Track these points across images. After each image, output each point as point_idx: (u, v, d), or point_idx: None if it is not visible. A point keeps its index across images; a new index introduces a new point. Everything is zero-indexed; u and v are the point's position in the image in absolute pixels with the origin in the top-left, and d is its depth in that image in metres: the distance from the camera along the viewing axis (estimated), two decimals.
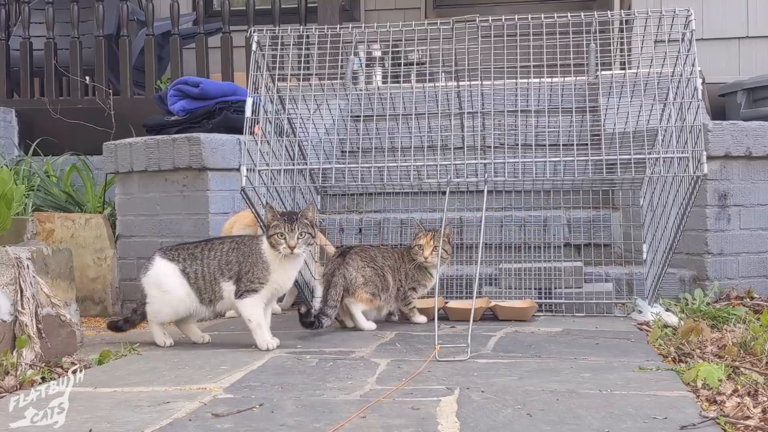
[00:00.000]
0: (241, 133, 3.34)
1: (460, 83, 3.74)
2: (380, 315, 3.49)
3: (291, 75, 3.47)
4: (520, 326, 3.41)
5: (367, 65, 4.66)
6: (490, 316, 3.64)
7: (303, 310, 3.18)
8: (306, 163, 3.75)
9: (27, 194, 4.52)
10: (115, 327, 3.27)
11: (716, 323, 3.31)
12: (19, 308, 2.78)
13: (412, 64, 4.10)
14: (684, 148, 3.09)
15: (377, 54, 4.75)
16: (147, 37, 5.76)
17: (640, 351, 2.86)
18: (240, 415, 2.07)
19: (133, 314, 3.25)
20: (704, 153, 3.03)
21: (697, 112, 3.11)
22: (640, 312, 3.54)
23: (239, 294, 2.99)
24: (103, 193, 4.82)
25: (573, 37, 3.46)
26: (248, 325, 3.00)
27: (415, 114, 3.92)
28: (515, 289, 3.80)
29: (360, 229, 4.26)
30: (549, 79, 3.58)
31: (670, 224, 3.39)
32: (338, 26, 3.98)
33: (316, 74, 3.76)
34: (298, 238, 2.91)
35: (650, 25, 3.31)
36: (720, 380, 2.30)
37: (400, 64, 4.15)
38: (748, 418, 2.01)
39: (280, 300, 3.82)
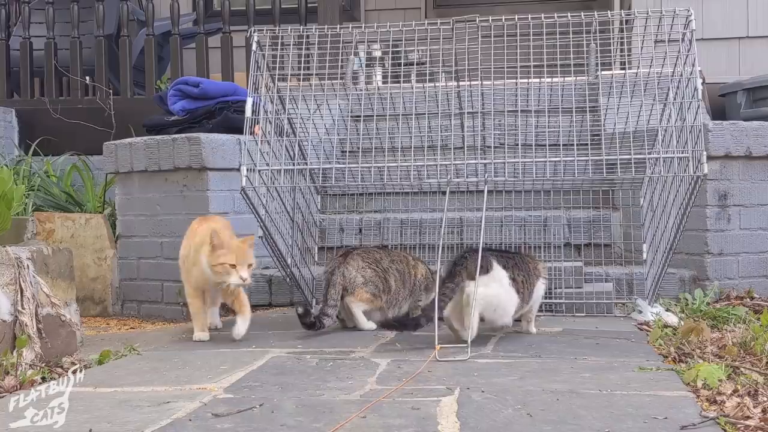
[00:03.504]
0: (241, 133, 3.34)
1: (460, 83, 3.74)
2: (384, 317, 3.44)
3: (291, 75, 3.47)
4: (520, 326, 3.40)
5: (367, 65, 4.66)
6: None
7: (301, 310, 3.18)
8: (306, 163, 3.75)
9: (27, 194, 4.52)
10: (402, 325, 3.11)
11: (716, 323, 3.31)
12: (19, 308, 2.78)
13: (412, 64, 4.10)
14: (684, 148, 3.09)
15: (377, 54, 4.75)
16: (147, 37, 5.76)
17: (640, 351, 2.86)
18: (240, 415, 2.07)
19: (420, 317, 3.00)
20: (704, 153, 3.03)
21: (697, 112, 3.11)
22: (640, 312, 3.54)
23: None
24: (103, 193, 4.82)
25: (573, 37, 3.46)
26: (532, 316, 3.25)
27: (415, 114, 3.92)
28: None
29: (360, 229, 4.25)
30: (549, 79, 3.57)
31: (670, 224, 3.39)
32: (338, 26, 3.98)
33: (316, 74, 3.76)
34: None
35: (650, 25, 3.30)
36: (720, 380, 2.30)
37: (400, 64, 4.15)
38: (748, 418, 2.01)
39: None
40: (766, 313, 3.08)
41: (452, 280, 2.93)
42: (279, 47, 3.44)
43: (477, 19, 3.41)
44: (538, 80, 3.64)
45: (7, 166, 4.61)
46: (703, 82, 4.01)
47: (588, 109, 3.84)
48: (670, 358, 2.72)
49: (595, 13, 3.38)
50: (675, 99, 3.20)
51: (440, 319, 2.92)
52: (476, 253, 2.95)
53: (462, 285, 2.93)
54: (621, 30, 3.66)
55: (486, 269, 2.96)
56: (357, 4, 6.97)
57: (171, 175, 4.15)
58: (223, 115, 4.55)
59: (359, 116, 4.17)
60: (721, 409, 2.10)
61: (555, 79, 3.82)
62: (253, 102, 3.33)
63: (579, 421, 1.99)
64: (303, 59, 3.62)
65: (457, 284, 2.92)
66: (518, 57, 3.40)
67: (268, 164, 3.31)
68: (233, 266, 3.02)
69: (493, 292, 2.96)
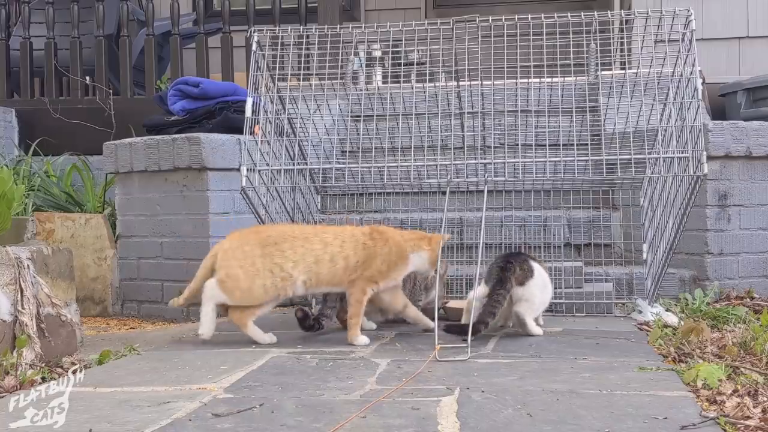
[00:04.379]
0: (241, 133, 3.34)
1: (460, 83, 3.74)
2: (384, 318, 3.44)
3: (291, 75, 3.47)
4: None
5: (367, 65, 4.66)
6: None
7: (300, 314, 3.19)
8: (306, 163, 3.75)
9: (27, 194, 4.52)
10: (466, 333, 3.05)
11: (716, 323, 3.31)
12: (20, 308, 2.78)
13: (412, 64, 4.10)
14: (684, 148, 3.10)
15: (377, 54, 4.75)
16: (147, 37, 5.76)
17: (640, 351, 2.86)
18: (240, 415, 2.07)
19: (480, 323, 3.00)
20: (704, 153, 3.03)
21: (697, 112, 3.11)
22: (640, 312, 3.54)
23: None
24: (103, 193, 4.82)
25: (573, 37, 3.46)
26: None
27: (415, 114, 3.92)
28: None
29: None
30: (549, 79, 3.57)
31: (670, 224, 3.39)
32: (338, 26, 3.98)
33: (316, 74, 3.76)
34: None
35: (650, 25, 3.31)
36: (720, 380, 2.31)
37: (400, 64, 4.15)
38: (748, 418, 2.01)
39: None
40: (766, 313, 3.09)
41: (503, 286, 3.05)
42: (279, 47, 3.44)
43: (477, 19, 3.41)
44: (538, 80, 3.64)
45: (7, 166, 4.61)
46: (703, 82, 4.01)
47: (588, 109, 3.84)
48: (670, 358, 2.72)
49: (595, 13, 3.38)
50: (675, 99, 3.20)
51: (441, 318, 2.94)
52: (519, 258, 3.15)
53: (511, 290, 3.07)
54: (621, 30, 3.66)
55: (531, 273, 3.14)
56: (357, 4, 6.97)
57: (171, 175, 4.15)
58: (223, 115, 4.55)
59: (359, 116, 4.17)
60: (721, 409, 2.10)
61: (555, 79, 3.82)
62: (253, 102, 3.33)
63: (579, 421, 1.99)
64: (303, 59, 3.62)
65: (508, 290, 3.05)
66: (518, 57, 3.40)
67: (268, 164, 3.32)
68: None
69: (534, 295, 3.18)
